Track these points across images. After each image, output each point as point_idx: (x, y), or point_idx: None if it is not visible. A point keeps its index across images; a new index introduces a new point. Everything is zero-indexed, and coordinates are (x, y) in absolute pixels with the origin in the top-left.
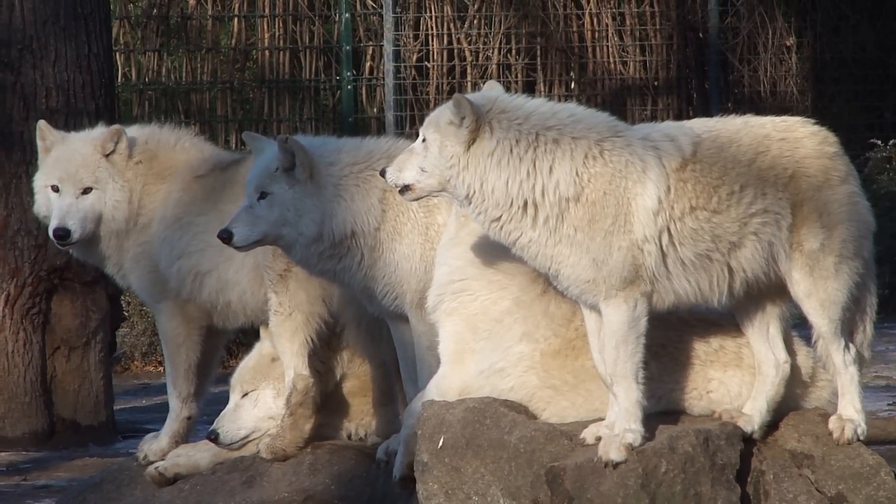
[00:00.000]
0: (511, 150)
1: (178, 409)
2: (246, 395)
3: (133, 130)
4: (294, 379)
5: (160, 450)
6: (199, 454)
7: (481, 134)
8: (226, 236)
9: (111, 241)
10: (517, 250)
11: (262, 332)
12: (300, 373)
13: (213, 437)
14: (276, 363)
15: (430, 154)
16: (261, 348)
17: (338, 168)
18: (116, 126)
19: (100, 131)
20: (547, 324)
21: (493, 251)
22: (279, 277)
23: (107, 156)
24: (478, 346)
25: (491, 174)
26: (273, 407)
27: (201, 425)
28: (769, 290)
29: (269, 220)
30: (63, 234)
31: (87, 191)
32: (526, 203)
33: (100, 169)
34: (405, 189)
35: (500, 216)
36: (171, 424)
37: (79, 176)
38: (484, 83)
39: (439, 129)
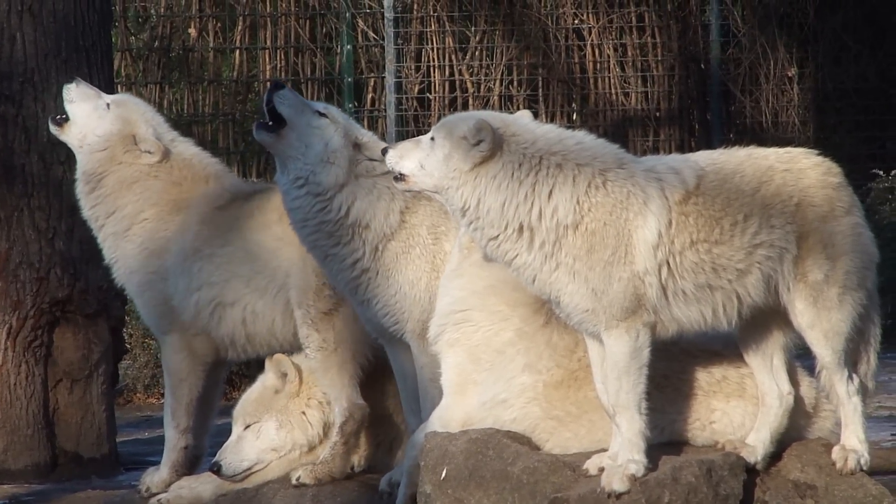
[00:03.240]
0: (512, 174)
1: (175, 440)
2: (248, 427)
3: (182, 146)
4: (350, 408)
5: (161, 481)
6: (202, 486)
7: (490, 157)
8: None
9: (82, 187)
10: (514, 271)
11: (268, 363)
12: (355, 402)
13: (216, 469)
14: (279, 395)
15: (434, 156)
16: (264, 380)
17: (381, 168)
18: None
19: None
20: (549, 355)
21: (495, 282)
22: (324, 316)
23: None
24: (480, 378)
25: (489, 196)
26: (275, 438)
27: (206, 457)
28: (773, 320)
29: (303, 120)
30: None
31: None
32: (521, 226)
33: (112, 133)
34: (400, 177)
35: (497, 235)
36: (170, 455)
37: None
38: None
39: (451, 137)
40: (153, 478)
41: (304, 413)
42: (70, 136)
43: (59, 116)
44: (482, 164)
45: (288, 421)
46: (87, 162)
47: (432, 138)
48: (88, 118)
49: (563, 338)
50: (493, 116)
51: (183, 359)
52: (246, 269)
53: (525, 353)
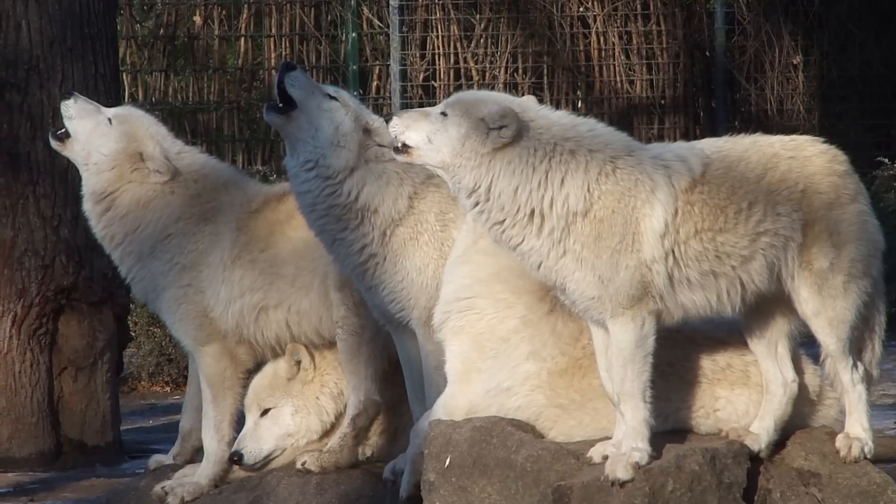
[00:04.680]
0: (528, 160)
1: (220, 453)
2: (265, 412)
3: (189, 156)
4: (366, 402)
5: (199, 491)
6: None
7: (509, 143)
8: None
9: (93, 207)
10: (518, 256)
11: (289, 347)
12: (372, 398)
13: (237, 459)
14: (293, 381)
15: (446, 132)
16: (275, 367)
17: (390, 154)
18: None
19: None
20: (554, 342)
21: (500, 270)
22: (364, 301)
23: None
24: (484, 366)
25: (502, 180)
26: (291, 424)
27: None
28: (778, 308)
29: (313, 103)
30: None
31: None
32: (532, 212)
33: (118, 152)
34: (403, 148)
35: (504, 220)
36: (212, 468)
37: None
38: None
39: (469, 117)
40: (188, 487)
41: (318, 398)
42: (73, 152)
43: (59, 131)
44: (500, 149)
45: (304, 406)
46: (95, 182)
47: (443, 113)
48: (91, 135)
49: (568, 325)
50: (511, 101)
51: (226, 367)
52: (290, 269)
53: (529, 340)
